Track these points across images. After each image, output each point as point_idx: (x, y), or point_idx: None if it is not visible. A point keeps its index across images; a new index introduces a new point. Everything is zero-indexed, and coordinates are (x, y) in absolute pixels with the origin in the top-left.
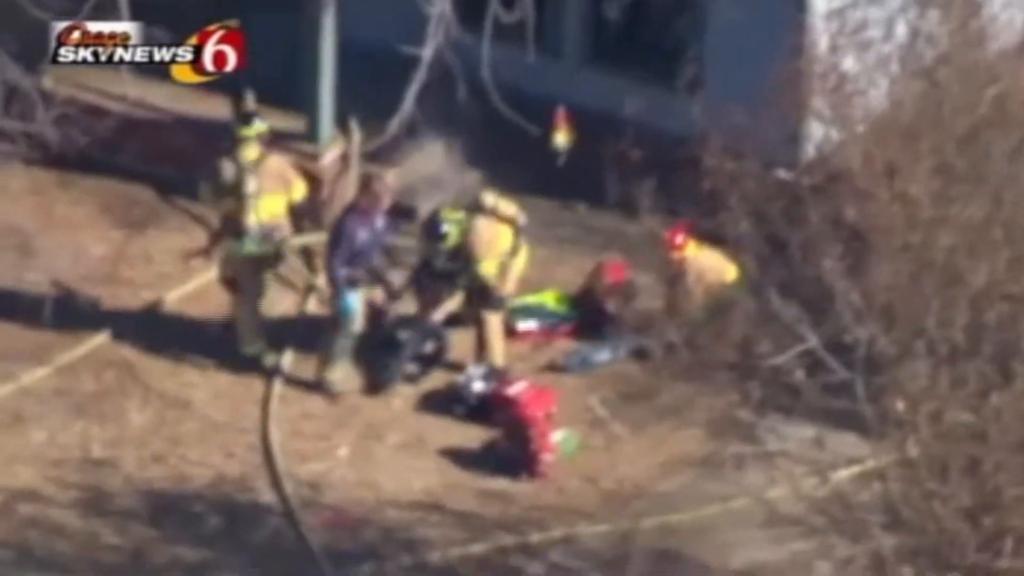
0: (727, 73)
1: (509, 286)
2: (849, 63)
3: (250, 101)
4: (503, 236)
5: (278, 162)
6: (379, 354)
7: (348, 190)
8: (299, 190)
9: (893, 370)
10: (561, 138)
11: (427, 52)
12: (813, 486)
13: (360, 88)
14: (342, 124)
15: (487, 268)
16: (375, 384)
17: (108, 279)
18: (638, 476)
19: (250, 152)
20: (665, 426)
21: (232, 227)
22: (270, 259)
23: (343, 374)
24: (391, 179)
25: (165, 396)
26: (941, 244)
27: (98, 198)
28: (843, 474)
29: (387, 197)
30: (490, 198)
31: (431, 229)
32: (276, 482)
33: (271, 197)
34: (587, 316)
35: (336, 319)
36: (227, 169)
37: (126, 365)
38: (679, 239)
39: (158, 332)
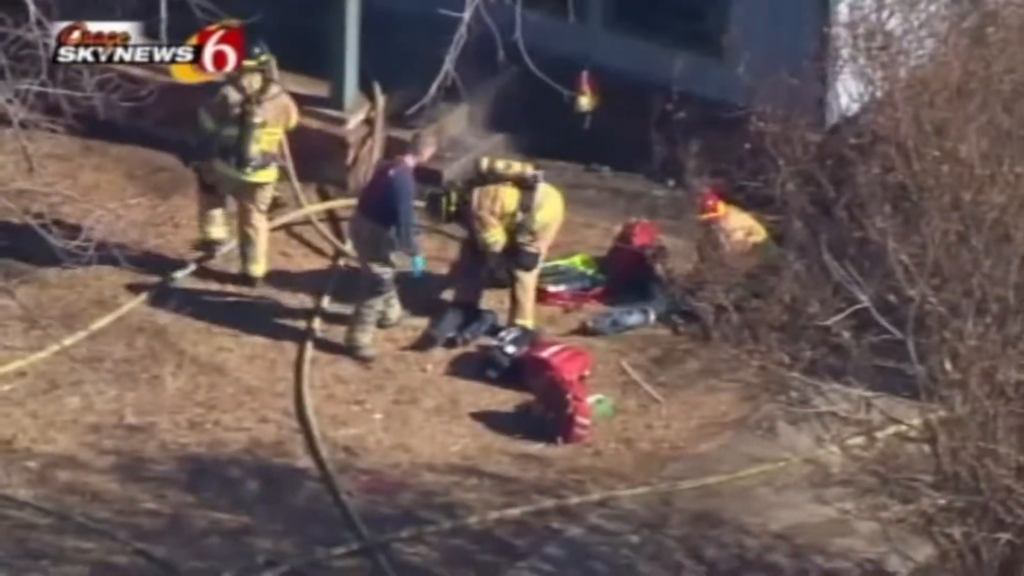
0: (753, 36)
1: (540, 243)
2: (895, 22)
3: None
4: (507, 198)
5: (280, 93)
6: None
7: (373, 154)
8: (294, 122)
9: (942, 330)
10: (586, 101)
11: (467, 14)
12: (860, 446)
13: (381, 52)
14: (366, 89)
15: (493, 235)
16: (416, 343)
17: (136, 245)
18: (674, 439)
19: (254, 82)
20: (698, 388)
21: (232, 155)
22: (267, 186)
23: (372, 338)
24: (433, 138)
25: (198, 361)
26: (992, 202)
27: (123, 165)
28: (890, 434)
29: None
30: (486, 162)
31: (429, 202)
32: (312, 446)
33: (271, 128)
34: (617, 279)
35: (372, 283)
36: (232, 96)
37: (158, 331)
38: (710, 201)
39: (189, 297)
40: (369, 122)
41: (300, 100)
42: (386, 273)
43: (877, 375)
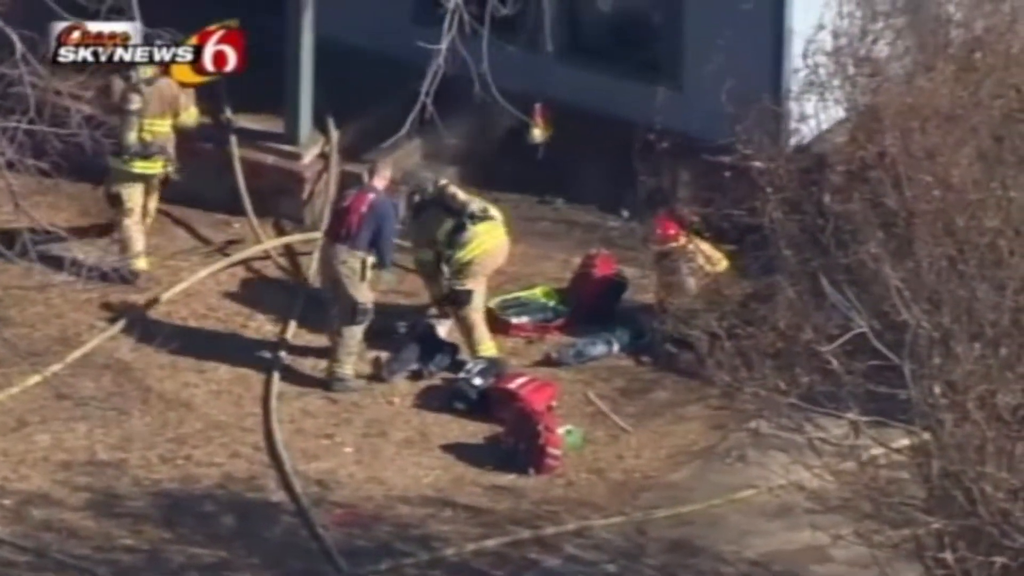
0: (707, 65)
1: (469, 280)
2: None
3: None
4: (439, 226)
5: (168, 84)
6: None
7: (329, 189)
8: (190, 115)
9: (935, 354)
10: (539, 132)
11: (443, 45)
12: (851, 472)
13: (334, 87)
14: (320, 124)
15: (419, 255)
16: (378, 374)
17: (95, 282)
18: (644, 468)
19: (144, 71)
20: (666, 418)
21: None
22: (154, 178)
23: (354, 370)
24: (390, 162)
25: (165, 397)
26: (984, 227)
27: (77, 202)
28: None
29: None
30: (442, 185)
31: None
32: (285, 481)
33: (157, 118)
34: (579, 310)
35: (353, 312)
36: (116, 85)
37: (123, 367)
38: (671, 230)
39: (151, 333)
40: (324, 157)
41: (255, 136)
42: (368, 301)
43: (869, 400)
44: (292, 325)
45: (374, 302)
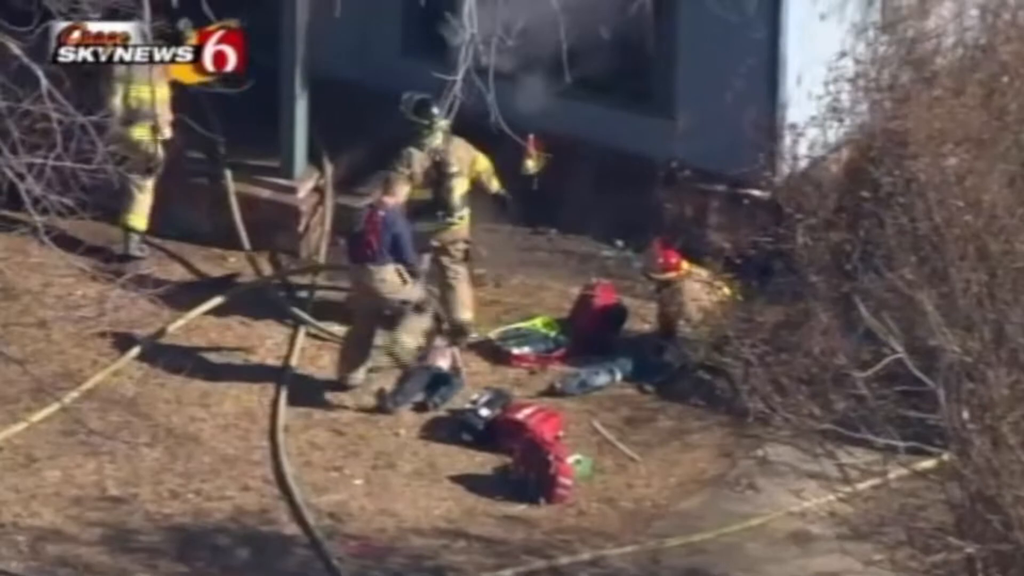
0: (699, 94)
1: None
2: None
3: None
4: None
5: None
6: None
7: (325, 222)
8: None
9: (968, 379)
10: (531, 164)
11: (459, 75)
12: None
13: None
14: (314, 157)
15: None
16: (382, 406)
17: (95, 319)
18: (655, 497)
19: None
20: (673, 446)
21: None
22: (141, 143)
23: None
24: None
25: (172, 431)
26: (1017, 251)
27: (69, 240)
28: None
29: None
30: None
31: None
32: (297, 513)
33: (141, 84)
34: (579, 339)
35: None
36: None
37: (128, 402)
38: (672, 259)
39: (155, 368)
40: (319, 190)
41: (250, 170)
42: (420, 296)
43: (901, 426)
44: (295, 358)
45: None
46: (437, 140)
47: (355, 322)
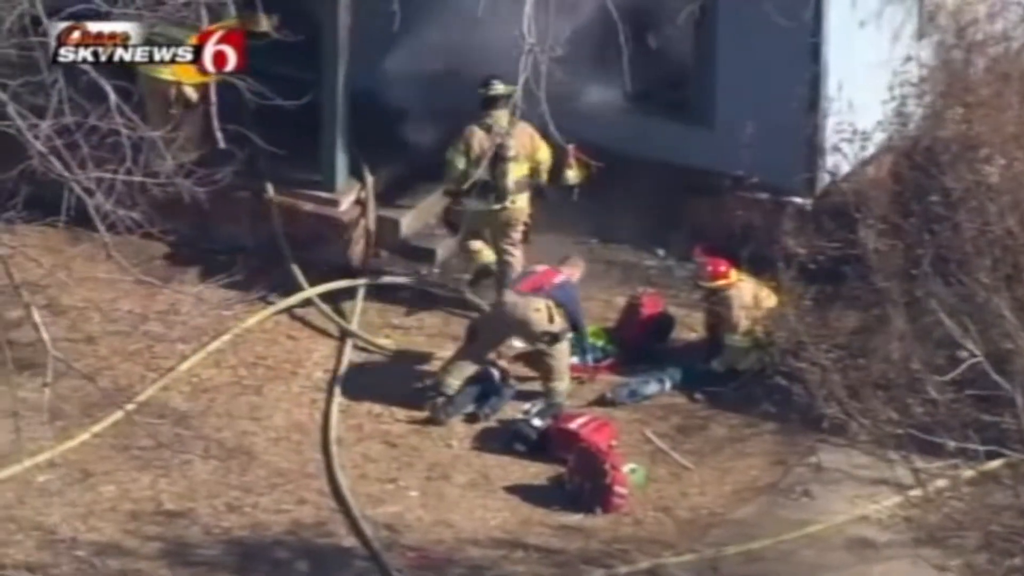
0: (740, 104)
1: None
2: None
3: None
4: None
5: None
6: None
7: (369, 234)
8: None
9: None
10: (572, 174)
11: (519, 83)
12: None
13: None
14: (354, 170)
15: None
16: (434, 417)
17: (141, 334)
18: (710, 505)
19: None
20: (726, 454)
21: None
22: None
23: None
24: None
25: (225, 445)
26: None
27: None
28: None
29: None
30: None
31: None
32: (355, 526)
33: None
34: (627, 349)
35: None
36: None
37: (179, 417)
38: (721, 267)
39: (203, 382)
40: (360, 203)
41: (292, 183)
42: (557, 326)
43: (977, 430)
44: (343, 370)
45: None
46: (502, 122)
47: (481, 338)
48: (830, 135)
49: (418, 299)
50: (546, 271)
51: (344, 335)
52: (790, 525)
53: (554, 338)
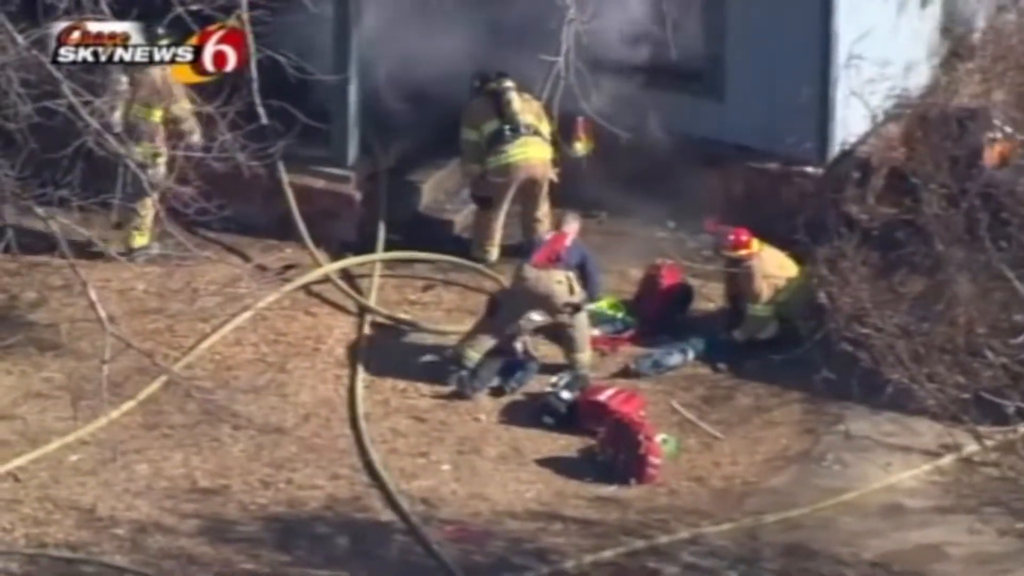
0: (749, 74)
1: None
2: None
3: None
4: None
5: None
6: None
7: (381, 209)
8: (182, 107)
9: None
10: (580, 146)
11: (560, 58)
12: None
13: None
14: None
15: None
16: (461, 391)
17: (159, 312)
18: (743, 474)
19: None
20: (754, 424)
21: None
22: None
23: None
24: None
25: (254, 422)
26: None
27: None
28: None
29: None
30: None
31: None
32: (391, 500)
33: (143, 105)
34: (647, 320)
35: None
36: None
37: (206, 394)
38: (743, 237)
39: (226, 360)
40: (373, 178)
41: (303, 160)
42: (577, 297)
43: None
44: (364, 346)
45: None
46: (514, 103)
47: (502, 312)
48: (840, 104)
49: (435, 274)
50: (554, 237)
51: (363, 311)
52: (825, 493)
53: (575, 309)
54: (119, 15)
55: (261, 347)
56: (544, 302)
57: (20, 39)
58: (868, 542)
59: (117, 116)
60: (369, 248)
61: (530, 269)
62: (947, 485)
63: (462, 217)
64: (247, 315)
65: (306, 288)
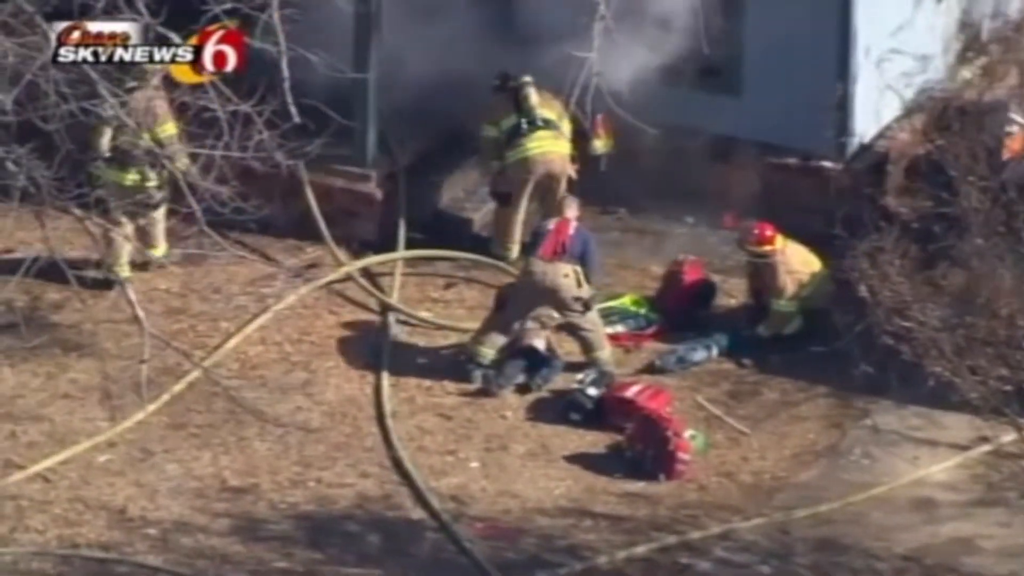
0: (768, 71)
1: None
2: None
3: None
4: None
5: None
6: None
7: (401, 208)
8: (166, 130)
9: None
10: (600, 144)
11: (593, 53)
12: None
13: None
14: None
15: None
16: (487, 389)
17: (182, 312)
18: (772, 469)
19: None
20: (781, 419)
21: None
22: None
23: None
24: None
25: (280, 421)
26: None
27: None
28: None
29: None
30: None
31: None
32: (421, 498)
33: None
34: (670, 316)
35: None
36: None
37: (231, 394)
38: (768, 232)
39: (250, 359)
40: (392, 177)
41: (322, 159)
42: (586, 291)
43: None
44: (388, 347)
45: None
46: (532, 99)
47: (511, 307)
48: (860, 98)
49: (456, 272)
50: (557, 226)
51: (385, 309)
52: (855, 487)
53: (585, 305)
54: (155, 15)
55: (285, 346)
56: (552, 296)
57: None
58: (899, 536)
59: (103, 143)
60: (390, 247)
61: (537, 262)
62: (976, 478)
63: (481, 215)
64: (269, 315)
65: (328, 287)
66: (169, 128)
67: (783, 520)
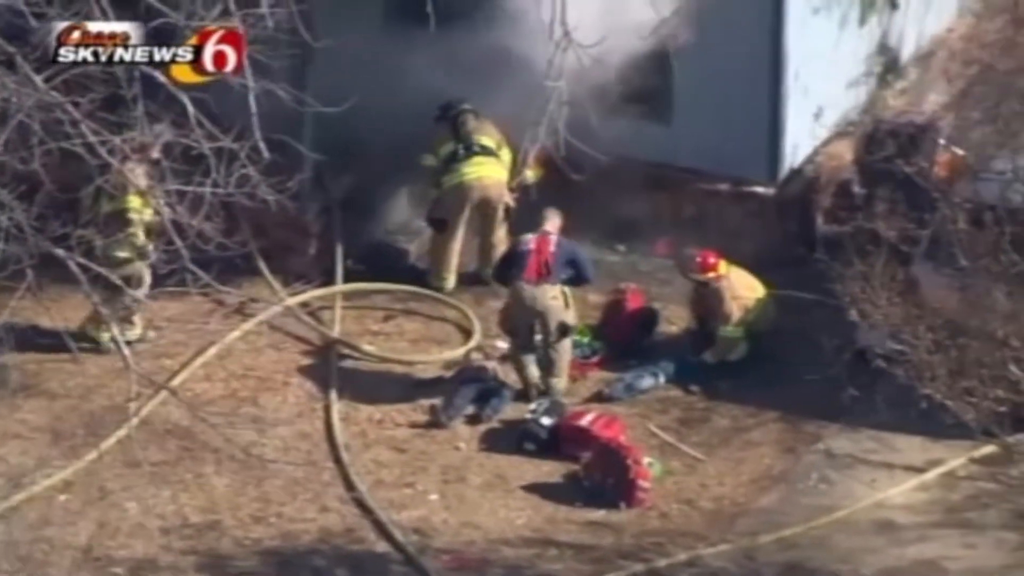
0: (697, 98)
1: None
2: None
3: None
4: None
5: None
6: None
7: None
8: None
9: None
10: (531, 174)
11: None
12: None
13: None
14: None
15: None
16: (436, 421)
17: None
18: (731, 495)
19: None
20: (734, 444)
21: None
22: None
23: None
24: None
25: (235, 457)
26: None
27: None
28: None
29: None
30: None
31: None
32: (384, 531)
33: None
34: (614, 345)
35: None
36: None
37: (183, 431)
38: (711, 259)
39: (198, 396)
40: (327, 210)
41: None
42: (571, 316)
43: None
44: (335, 379)
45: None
46: (470, 124)
47: (519, 335)
48: (790, 123)
49: (394, 304)
50: (538, 243)
51: (328, 343)
52: (815, 511)
53: (564, 331)
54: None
55: (231, 382)
56: (542, 317)
57: (39, 80)
58: (865, 558)
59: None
60: (326, 280)
61: (524, 287)
62: (935, 500)
63: (416, 246)
64: (212, 351)
65: (268, 322)
66: (134, 201)
67: (748, 546)
